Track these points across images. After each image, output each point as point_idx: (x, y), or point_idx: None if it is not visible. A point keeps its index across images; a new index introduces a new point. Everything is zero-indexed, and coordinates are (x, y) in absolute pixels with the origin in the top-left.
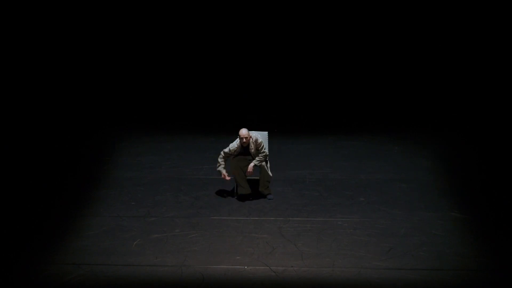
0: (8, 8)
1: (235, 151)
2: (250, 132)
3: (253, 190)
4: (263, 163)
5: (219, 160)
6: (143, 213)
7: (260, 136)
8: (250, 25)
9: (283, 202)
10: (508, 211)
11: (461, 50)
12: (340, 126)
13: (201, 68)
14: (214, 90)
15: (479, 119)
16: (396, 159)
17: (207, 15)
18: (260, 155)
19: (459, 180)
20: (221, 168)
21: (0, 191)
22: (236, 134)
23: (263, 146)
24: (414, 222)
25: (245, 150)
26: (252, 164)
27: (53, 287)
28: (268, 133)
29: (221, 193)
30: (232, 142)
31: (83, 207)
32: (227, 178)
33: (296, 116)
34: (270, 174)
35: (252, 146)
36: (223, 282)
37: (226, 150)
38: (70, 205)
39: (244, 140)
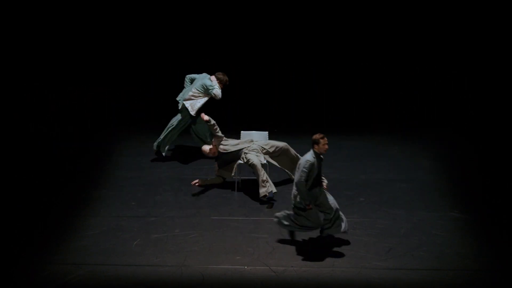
0: (8, 9)
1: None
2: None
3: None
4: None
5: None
6: (143, 213)
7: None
8: (250, 25)
9: (283, 202)
10: (508, 211)
11: (461, 50)
12: (340, 126)
13: (201, 69)
14: None
15: (479, 119)
16: (396, 159)
17: (206, 16)
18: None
19: (459, 180)
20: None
21: (0, 191)
22: (237, 134)
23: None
24: (414, 222)
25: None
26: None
27: (53, 287)
28: (268, 133)
29: (221, 193)
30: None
31: (83, 207)
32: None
33: (296, 116)
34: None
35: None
36: (223, 282)
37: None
38: (70, 205)
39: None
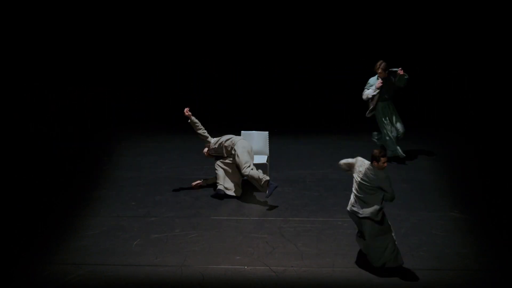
0: (8, 9)
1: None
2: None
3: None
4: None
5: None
6: (143, 213)
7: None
8: (250, 25)
9: (283, 202)
10: (508, 211)
11: (461, 50)
12: (340, 126)
13: (202, 69)
14: (214, 90)
15: (479, 119)
16: (396, 159)
17: (206, 16)
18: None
19: (459, 180)
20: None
21: (0, 191)
22: (237, 134)
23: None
24: (414, 222)
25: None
26: None
27: (53, 287)
28: (268, 133)
29: None
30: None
31: (83, 207)
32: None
33: (296, 116)
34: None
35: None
36: (223, 282)
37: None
38: (70, 205)
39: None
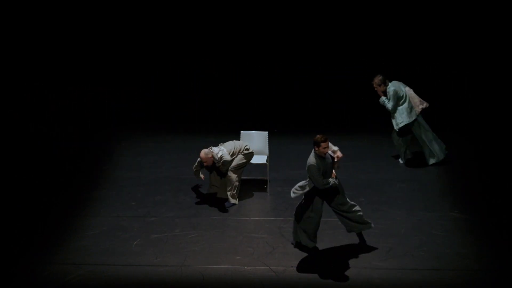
0: (8, 9)
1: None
2: (212, 148)
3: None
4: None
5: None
6: (143, 213)
7: (219, 150)
8: (250, 25)
9: (283, 202)
10: (508, 211)
11: (461, 50)
12: (340, 126)
13: (202, 69)
14: (214, 90)
15: (479, 119)
16: (396, 159)
17: (206, 16)
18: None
19: (459, 180)
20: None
21: (0, 191)
22: (237, 134)
23: (221, 156)
24: (414, 222)
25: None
26: None
27: (53, 287)
28: (268, 133)
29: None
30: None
31: (83, 207)
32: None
33: (296, 116)
34: (235, 180)
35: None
36: (223, 282)
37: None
38: (70, 205)
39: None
